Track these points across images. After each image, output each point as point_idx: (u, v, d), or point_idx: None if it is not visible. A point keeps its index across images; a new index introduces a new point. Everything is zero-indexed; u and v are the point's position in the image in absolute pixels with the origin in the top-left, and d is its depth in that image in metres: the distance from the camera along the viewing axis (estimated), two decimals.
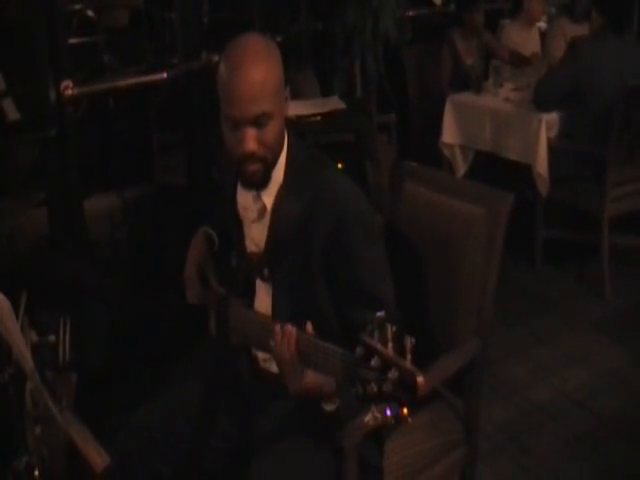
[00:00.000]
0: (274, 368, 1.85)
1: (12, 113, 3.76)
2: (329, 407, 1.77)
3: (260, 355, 2.02)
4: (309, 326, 1.71)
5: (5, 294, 2.36)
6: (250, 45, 1.81)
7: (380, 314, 1.40)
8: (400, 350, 1.37)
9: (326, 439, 1.86)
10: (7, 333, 1.73)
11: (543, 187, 4.27)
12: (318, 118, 3.97)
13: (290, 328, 1.70)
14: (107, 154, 4.73)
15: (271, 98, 1.78)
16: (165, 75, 3.34)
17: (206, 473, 2.06)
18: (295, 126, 3.44)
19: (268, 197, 1.91)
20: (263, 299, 1.98)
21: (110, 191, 4.12)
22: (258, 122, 1.77)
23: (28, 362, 1.78)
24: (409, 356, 1.36)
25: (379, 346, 1.38)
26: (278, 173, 1.90)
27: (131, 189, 4.15)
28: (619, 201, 4.13)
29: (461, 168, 4.87)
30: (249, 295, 2.01)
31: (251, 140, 1.78)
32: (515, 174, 4.50)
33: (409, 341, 1.37)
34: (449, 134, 4.83)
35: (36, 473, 1.99)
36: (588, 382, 3.48)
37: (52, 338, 2.61)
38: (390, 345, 1.38)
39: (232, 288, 2.01)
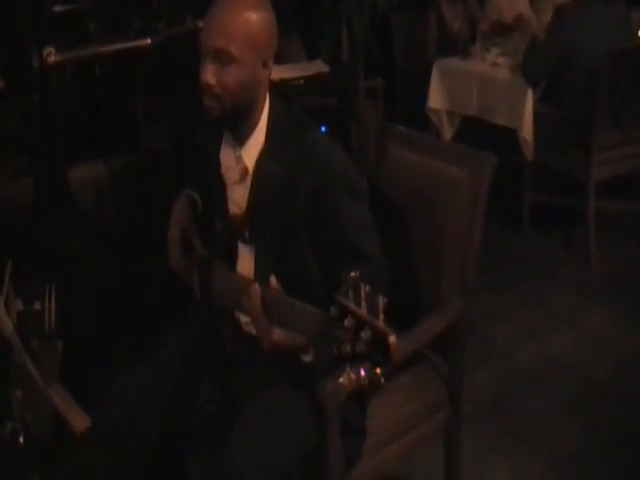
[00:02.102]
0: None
1: None
2: (307, 358, 1.79)
3: (242, 318, 2.03)
4: (273, 279, 1.73)
5: None
6: None
7: (354, 274, 1.39)
8: (374, 310, 1.36)
9: (308, 397, 1.87)
10: None
11: (529, 152, 4.28)
12: (302, 81, 3.95)
13: (256, 287, 1.73)
14: (93, 122, 4.69)
15: (239, 42, 1.79)
16: (149, 41, 3.31)
17: (191, 435, 2.07)
18: (279, 89, 3.42)
19: (250, 158, 1.92)
20: (246, 261, 2.00)
21: (97, 159, 4.09)
22: (219, 58, 1.80)
23: (8, 327, 1.78)
24: (382, 316, 1.35)
25: (352, 306, 1.38)
26: (259, 135, 1.91)
27: (118, 157, 4.13)
28: (605, 166, 4.12)
29: (448, 133, 4.86)
30: (232, 258, 2.02)
31: (209, 72, 1.82)
32: (502, 139, 4.49)
33: (382, 301, 1.36)
34: (436, 99, 4.81)
35: (20, 439, 2.02)
36: (574, 345, 3.50)
37: (37, 306, 2.62)
38: (364, 305, 1.37)
39: (215, 251, 2.02)
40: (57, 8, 4.58)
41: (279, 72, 3.76)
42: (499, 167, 2.10)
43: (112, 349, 3.14)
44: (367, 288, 1.38)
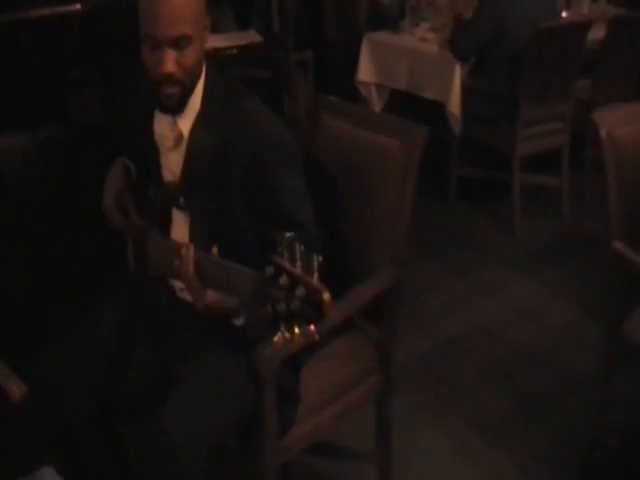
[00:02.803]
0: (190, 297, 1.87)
1: None
2: (238, 321, 1.81)
3: (177, 284, 2.03)
4: (214, 250, 1.75)
5: None
6: None
7: (289, 234, 1.42)
8: (308, 268, 1.39)
9: (243, 362, 1.90)
10: None
11: (456, 126, 4.35)
12: (235, 51, 3.93)
13: (187, 248, 1.75)
14: (19, 92, 4.58)
15: (192, 22, 1.80)
16: (78, 7, 3.26)
17: (127, 404, 2.08)
18: (213, 58, 3.40)
19: (185, 124, 1.92)
20: (180, 228, 2.00)
21: (23, 129, 4.01)
22: (178, 44, 1.79)
23: None
24: (316, 274, 1.39)
25: (287, 265, 1.41)
26: (195, 101, 1.91)
27: (45, 128, 4.05)
28: (530, 140, 4.24)
29: (377, 106, 4.89)
30: (166, 225, 2.02)
31: (170, 61, 1.80)
32: (430, 113, 4.55)
33: (316, 260, 1.39)
34: (365, 72, 4.84)
35: None
36: (500, 314, 3.61)
37: None
38: (299, 264, 1.40)
39: (150, 219, 2.02)
40: None
41: (212, 41, 3.73)
42: (427, 140, 2.14)
43: (45, 318, 3.11)
44: (302, 247, 1.42)
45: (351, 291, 2.10)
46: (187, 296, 1.98)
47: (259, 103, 1.96)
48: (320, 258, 1.40)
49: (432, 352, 3.33)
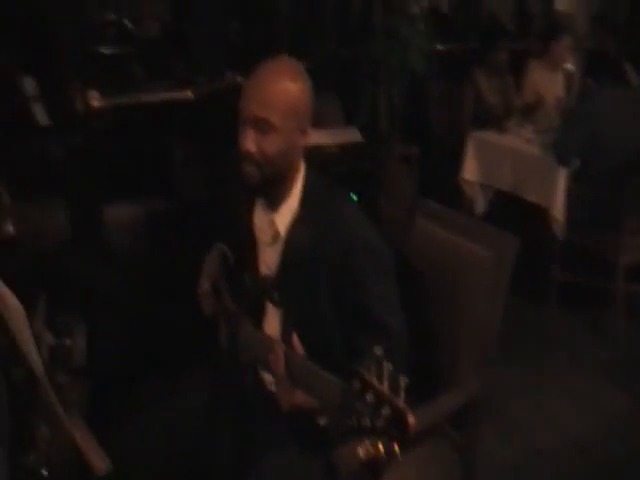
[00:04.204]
0: None
1: (42, 118, 3.83)
2: (322, 421, 1.82)
3: (266, 377, 2.06)
4: (295, 338, 1.78)
5: (24, 295, 2.40)
6: (285, 63, 1.92)
7: (378, 351, 1.43)
8: (394, 388, 1.40)
9: (322, 461, 1.89)
10: (21, 338, 1.77)
11: (559, 230, 4.27)
12: (335, 149, 3.98)
13: (279, 349, 1.78)
14: (132, 165, 4.77)
15: (279, 112, 1.84)
16: (190, 94, 3.40)
17: None
18: (313, 155, 3.45)
19: (282, 223, 1.96)
20: (272, 322, 2.02)
21: (133, 202, 4.16)
22: (259, 126, 1.84)
23: (39, 367, 1.81)
24: (403, 395, 1.39)
25: (375, 382, 1.42)
26: (293, 201, 1.96)
27: (154, 200, 4.19)
28: (635, 250, 4.11)
29: (480, 205, 4.90)
30: (259, 315, 2.05)
31: (249, 140, 1.85)
32: (534, 215, 4.49)
33: (403, 380, 1.40)
34: (469, 171, 4.85)
35: (44, 472, 2.04)
36: (593, 428, 3.44)
37: (68, 342, 2.66)
38: (386, 382, 1.41)
39: (243, 306, 2.05)
40: (104, 50, 4.71)
41: (314, 137, 3.81)
42: (529, 242, 2.10)
43: (139, 386, 3.15)
44: (390, 366, 1.43)
45: (435, 401, 2.07)
46: (275, 388, 1.99)
47: (356, 207, 1.98)
48: (407, 380, 1.41)
49: (519, 462, 3.20)
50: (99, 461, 1.71)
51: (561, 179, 4.21)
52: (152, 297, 3.63)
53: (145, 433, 2.05)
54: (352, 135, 4.24)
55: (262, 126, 1.84)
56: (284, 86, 1.85)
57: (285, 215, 1.96)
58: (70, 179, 3.54)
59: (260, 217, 2.02)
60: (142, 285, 3.76)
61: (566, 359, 4.05)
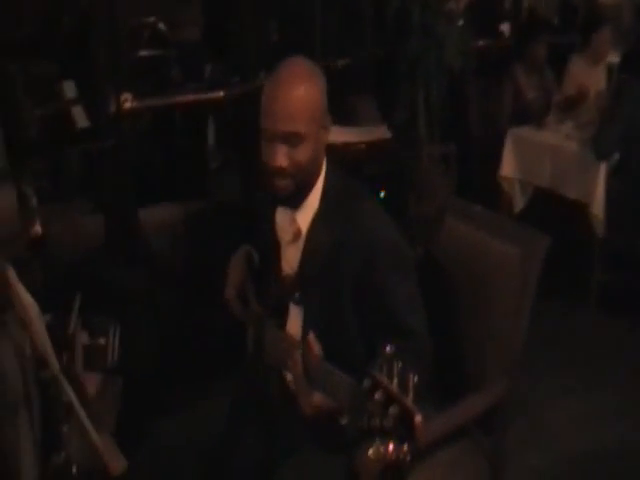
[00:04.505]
0: None
1: (81, 120, 3.88)
2: (344, 421, 1.80)
3: (289, 376, 2.03)
4: (311, 336, 1.76)
5: (58, 295, 2.43)
6: (295, 66, 1.88)
7: (390, 349, 1.41)
8: (404, 387, 1.37)
9: (344, 463, 1.86)
10: (36, 336, 1.78)
11: (599, 228, 4.20)
12: (363, 147, 3.92)
13: (297, 350, 1.78)
14: (169, 167, 4.80)
15: (305, 120, 1.82)
16: (222, 94, 3.40)
17: None
18: (341, 153, 3.42)
19: (303, 221, 1.94)
20: (295, 322, 2.00)
21: (173, 203, 4.18)
22: (289, 140, 1.82)
23: (54, 366, 1.83)
24: (411, 394, 1.37)
25: (385, 380, 1.40)
26: (314, 198, 1.93)
27: (193, 202, 4.21)
28: None
29: (520, 202, 4.83)
30: (283, 316, 2.03)
31: (280, 155, 1.82)
32: (573, 213, 4.42)
33: (412, 379, 1.37)
34: (508, 168, 4.79)
35: (74, 469, 2.07)
36: (632, 437, 3.35)
37: (102, 341, 2.69)
38: (395, 380, 1.39)
39: (268, 308, 2.05)
40: (143, 53, 4.74)
41: (342, 135, 3.79)
42: (569, 242, 2.05)
43: (170, 386, 3.17)
44: (400, 364, 1.40)
45: (460, 402, 2.05)
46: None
47: (376, 205, 1.95)
48: (416, 378, 1.38)
49: (552, 470, 3.12)
50: (116, 461, 1.72)
51: (601, 175, 4.14)
52: (189, 301, 3.65)
53: (172, 433, 2.09)
54: (380, 132, 4.18)
55: (291, 139, 1.82)
56: (304, 93, 1.82)
57: (306, 213, 1.94)
58: (103, 183, 3.57)
59: (281, 215, 2.01)
60: (179, 289, 3.78)
61: (607, 364, 3.92)
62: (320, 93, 1.87)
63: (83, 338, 2.62)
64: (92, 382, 2.67)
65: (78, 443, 2.03)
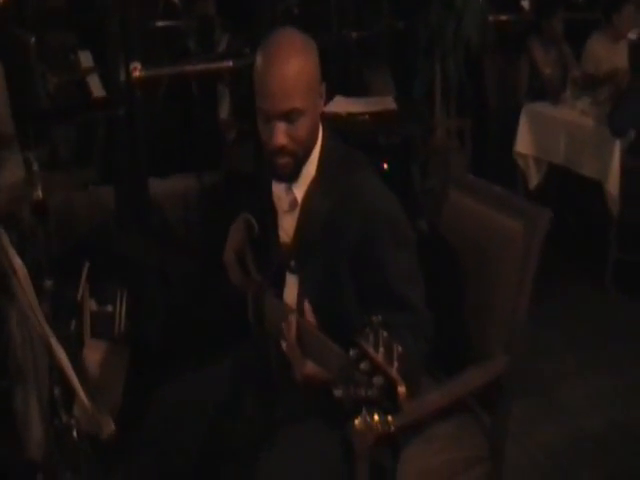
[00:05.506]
0: None
1: (97, 90, 3.89)
2: (337, 392, 1.78)
3: (284, 345, 2.03)
4: (306, 305, 1.76)
5: (69, 263, 2.45)
6: (284, 40, 1.82)
7: (376, 318, 1.39)
8: (389, 357, 1.36)
9: (340, 434, 1.86)
10: (24, 297, 1.80)
11: (614, 206, 4.16)
12: (366, 117, 3.85)
13: (291, 317, 1.76)
14: (184, 138, 4.79)
15: (302, 94, 1.79)
16: (231, 64, 3.38)
17: (225, 454, 2.08)
18: (343, 122, 3.36)
19: (299, 190, 1.93)
20: (291, 290, 2.00)
21: (186, 174, 4.18)
22: (289, 117, 1.79)
23: (50, 338, 1.84)
24: (396, 364, 1.35)
25: (371, 350, 1.38)
26: (310, 167, 1.92)
27: (207, 173, 4.21)
28: None
29: (534, 179, 4.80)
30: (281, 285, 2.04)
31: (281, 134, 1.80)
32: (589, 190, 4.38)
33: (397, 348, 1.36)
34: (523, 144, 4.75)
35: (74, 434, 2.10)
36: None
37: (110, 308, 2.71)
38: (381, 350, 1.37)
39: (267, 277, 2.04)
40: (159, 23, 4.73)
41: (345, 105, 3.74)
42: (584, 220, 2.03)
43: (175, 352, 3.18)
44: (385, 334, 1.38)
45: (458, 376, 2.05)
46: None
47: (375, 176, 1.93)
48: (400, 348, 1.36)
49: (565, 447, 3.09)
50: (104, 424, 1.74)
51: (616, 152, 4.09)
52: (200, 272, 3.65)
53: (171, 405, 2.06)
54: (385, 103, 4.10)
55: (290, 116, 1.79)
56: (298, 67, 1.78)
57: (302, 181, 1.92)
58: (114, 153, 3.58)
59: (277, 185, 1.99)
60: (189, 259, 3.79)
61: (624, 344, 3.87)
62: (314, 63, 1.83)
63: (91, 305, 2.64)
64: (98, 349, 2.70)
65: (80, 410, 2.07)
